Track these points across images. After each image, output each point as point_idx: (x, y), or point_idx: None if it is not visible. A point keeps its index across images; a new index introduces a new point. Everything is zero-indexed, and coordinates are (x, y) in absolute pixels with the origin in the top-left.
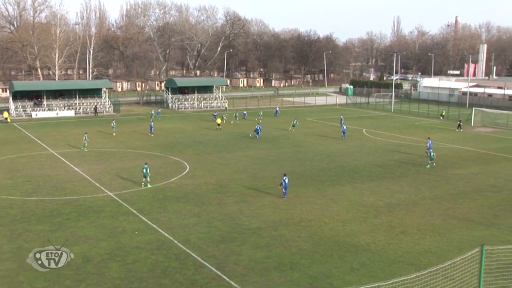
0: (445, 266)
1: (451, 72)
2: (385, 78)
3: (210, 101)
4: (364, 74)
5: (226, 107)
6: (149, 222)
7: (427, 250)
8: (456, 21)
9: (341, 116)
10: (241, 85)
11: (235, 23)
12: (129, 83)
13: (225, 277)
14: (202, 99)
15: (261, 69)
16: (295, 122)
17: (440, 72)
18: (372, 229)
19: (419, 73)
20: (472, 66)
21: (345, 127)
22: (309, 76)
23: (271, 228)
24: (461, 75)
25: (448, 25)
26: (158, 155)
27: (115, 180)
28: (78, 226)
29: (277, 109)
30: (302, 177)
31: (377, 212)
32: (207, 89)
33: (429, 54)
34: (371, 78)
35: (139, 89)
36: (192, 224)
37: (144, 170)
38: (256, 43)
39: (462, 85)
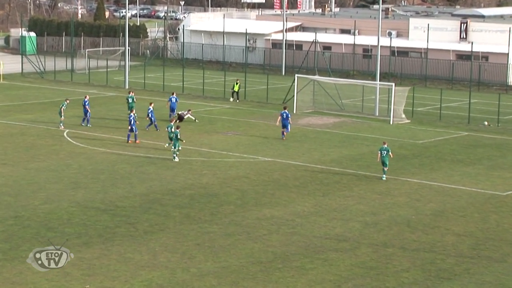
0: None
1: (248, 0)
2: (108, 15)
3: None
4: (61, 6)
5: None
6: None
7: None
8: None
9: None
10: None
11: None
12: None
13: None
14: None
15: None
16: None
17: (226, 0)
18: None
19: (182, 3)
20: None
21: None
22: None
23: None
24: (268, 5)
25: None
26: None
27: None
28: None
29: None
30: None
31: None
32: None
33: None
34: (79, 16)
35: None
36: None
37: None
38: None
39: (271, 28)
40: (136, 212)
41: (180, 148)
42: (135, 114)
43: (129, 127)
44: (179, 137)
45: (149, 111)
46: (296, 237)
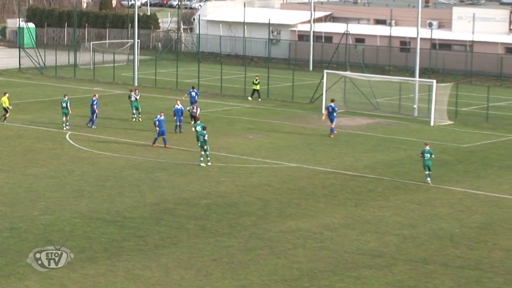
0: None
1: None
2: (115, 3)
3: None
4: None
5: None
6: None
7: None
8: None
9: None
10: None
11: None
12: None
13: None
14: None
15: None
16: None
17: None
18: None
19: None
20: None
21: None
22: None
23: None
24: None
25: None
26: None
27: None
28: None
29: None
30: None
31: None
32: None
33: None
34: (83, 5)
35: None
36: None
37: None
38: None
39: (297, 18)
40: (146, 224)
41: (208, 151)
42: (161, 117)
43: (156, 129)
44: (206, 138)
45: (174, 109)
46: (324, 252)
